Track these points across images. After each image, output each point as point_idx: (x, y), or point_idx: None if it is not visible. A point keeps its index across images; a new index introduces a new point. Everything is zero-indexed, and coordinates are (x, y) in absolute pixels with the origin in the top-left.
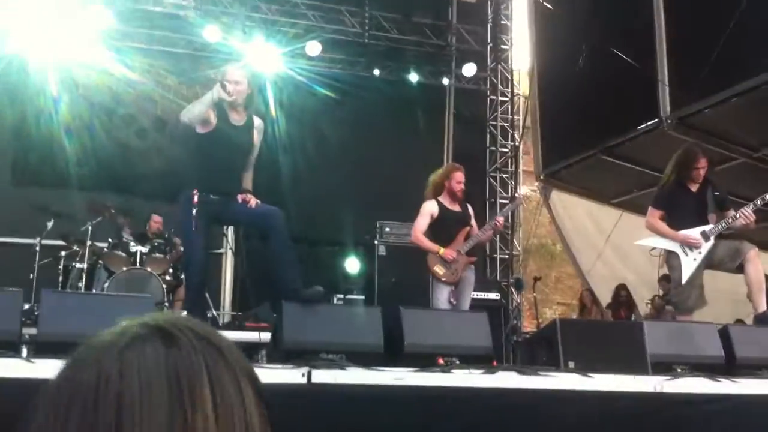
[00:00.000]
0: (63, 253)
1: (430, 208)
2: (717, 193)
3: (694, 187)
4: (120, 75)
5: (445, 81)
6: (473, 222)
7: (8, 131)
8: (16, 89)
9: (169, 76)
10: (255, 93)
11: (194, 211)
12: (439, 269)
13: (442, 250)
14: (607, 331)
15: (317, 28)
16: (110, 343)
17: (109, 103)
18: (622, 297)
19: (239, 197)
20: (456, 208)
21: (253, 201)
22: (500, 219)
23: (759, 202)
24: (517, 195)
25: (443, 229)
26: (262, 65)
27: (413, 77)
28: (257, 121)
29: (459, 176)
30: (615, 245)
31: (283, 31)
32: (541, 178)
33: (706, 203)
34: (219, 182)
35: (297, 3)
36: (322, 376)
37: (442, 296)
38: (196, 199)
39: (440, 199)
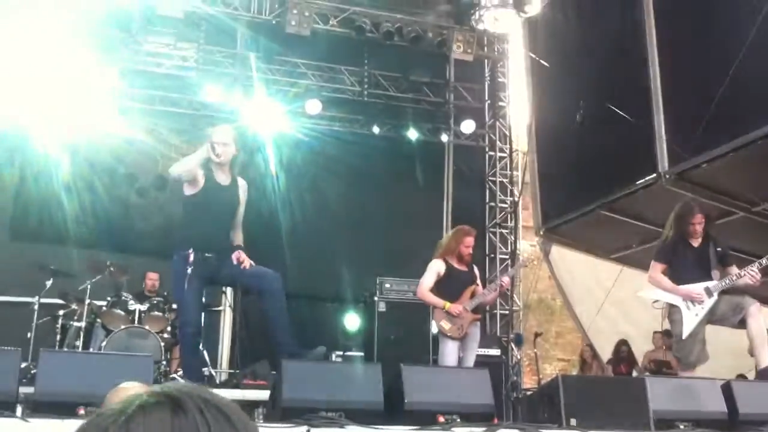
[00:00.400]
0: (61, 311)
1: (437, 266)
2: (719, 249)
3: (695, 242)
4: (121, 135)
5: (444, 138)
6: (478, 282)
7: (7, 190)
8: (16, 148)
9: (170, 135)
10: (240, 154)
11: (189, 270)
12: (445, 324)
13: (448, 305)
14: (609, 388)
15: (317, 86)
16: (119, 412)
17: (110, 163)
18: (623, 352)
19: (233, 256)
20: (462, 268)
21: (247, 261)
22: (506, 280)
23: (765, 262)
24: (520, 257)
25: (449, 287)
26: (262, 124)
27: (412, 134)
28: (241, 181)
29: (469, 241)
30: (615, 300)
31: (283, 91)
32: (541, 233)
33: (709, 259)
34: (212, 241)
35: (297, 63)
36: None
37: (447, 350)
38: (192, 258)
39: (448, 258)
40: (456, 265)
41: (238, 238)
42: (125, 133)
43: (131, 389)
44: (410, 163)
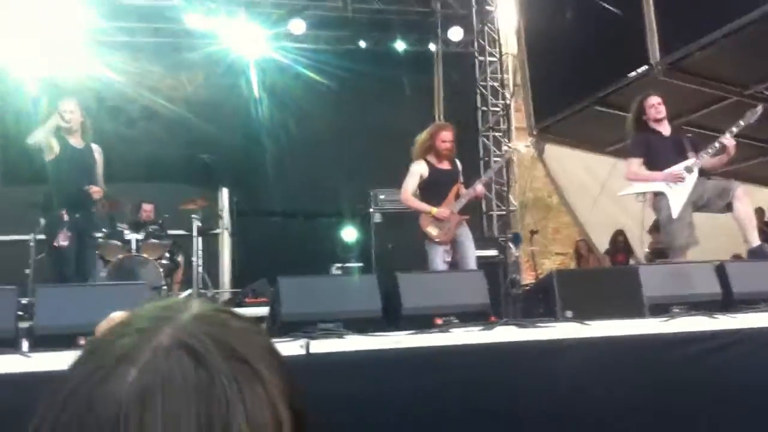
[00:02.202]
0: None
1: (418, 169)
2: (689, 135)
3: (665, 131)
4: (105, 70)
5: (432, 47)
6: (461, 178)
7: None
8: None
9: (153, 67)
10: (88, 122)
11: (65, 228)
12: (432, 230)
13: (434, 210)
14: (603, 278)
15: (300, 6)
16: (126, 357)
17: (95, 97)
18: (620, 242)
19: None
20: (445, 166)
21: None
22: (485, 179)
23: (735, 129)
24: (505, 148)
25: (434, 188)
26: (246, 48)
27: (399, 46)
28: (95, 146)
29: (445, 135)
30: (610, 192)
31: (266, 13)
32: (534, 133)
33: (683, 144)
34: (77, 200)
35: None
36: (321, 346)
37: (437, 257)
38: (66, 217)
39: (428, 158)
40: (437, 164)
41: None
42: (109, 66)
43: (118, 317)
44: (399, 75)
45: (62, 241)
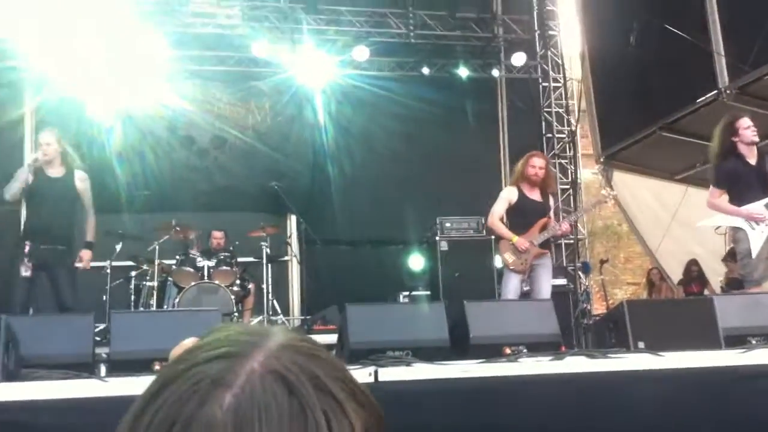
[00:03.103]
0: (133, 273)
1: (508, 194)
2: None
3: (752, 159)
4: (175, 98)
5: (495, 73)
6: (552, 214)
7: None
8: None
9: (223, 95)
10: (68, 150)
11: (26, 260)
12: (508, 257)
13: (515, 239)
14: (676, 309)
15: (363, 33)
16: (216, 383)
17: (167, 126)
18: (694, 272)
19: (80, 255)
20: (536, 197)
21: (86, 263)
22: (573, 218)
23: None
24: (603, 192)
25: (520, 216)
26: (311, 76)
27: (463, 72)
28: (79, 173)
29: (534, 161)
30: (682, 221)
31: (330, 41)
32: (601, 160)
33: (766, 175)
34: (48, 232)
35: (341, 11)
36: (389, 373)
37: (510, 284)
38: (27, 249)
39: (521, 185)
40: (528, 193)
41: (89, 230)
42: (177, 98)
43: (191, 343)
44: (463, 102)
45: (24, 272)
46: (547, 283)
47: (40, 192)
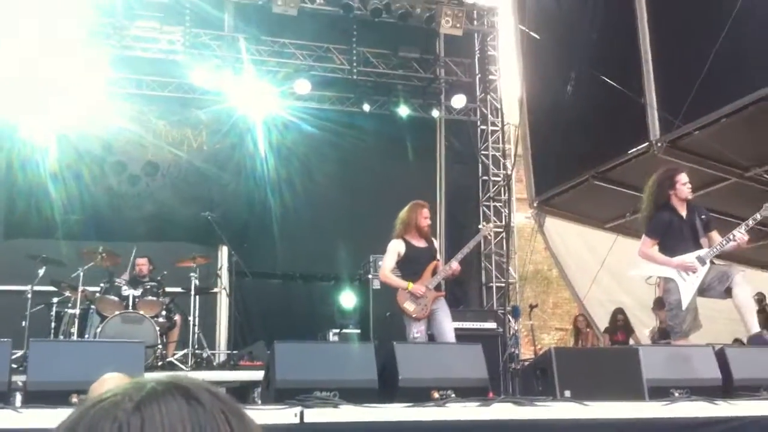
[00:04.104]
0: (55, 299)
1: (396, 247)
2: (703, 217)
3: (683, 211)
4: (110, 122)
5: (435, 113)
6: (438, 256)
7: None
8: (3, 137)
9: (159, 121)
10: None
11: None
12: (408, 305)
13: (410, 286)
14: (602, 358)
15: (306, 66)
16: (124, 396)
17: (99, 151)
18: (620, 321)
19: None
20: (422, 244)
21: None
22: (459, 257)
23: (751, 223)
24: (480, 227)
25: (411, 265)
26: (251, 106)
27: (403, 111)
28: None
29: (425, 212)
30: (610, 269)
31: (272, 72)
32: (534, 205)
33: (697, 228)
34: None
35: (285, 43)
36: (315, 415)
37: (414, 332)
38: None
39: (406, 237)
40: (415, 242)
41: None
42: (114, 120)
43: (113, 380)
44: (402, 140)
45: None
46: (449, 324)
47: None
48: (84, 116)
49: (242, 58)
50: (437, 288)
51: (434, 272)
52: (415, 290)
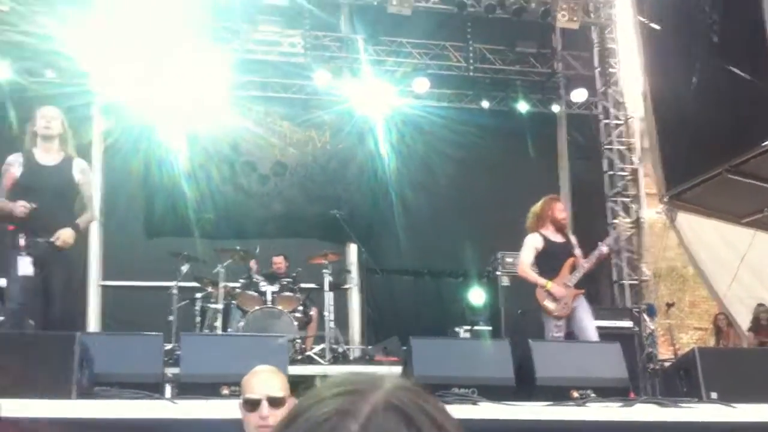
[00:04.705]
0: (198, 294)
1: (533, 242)
2: None
3: None
4: (237, 123)
5: (555, 108)
6: (577, 252)
7: (136, 179)
8: (141, 139)
9: (284, 122)
10: (69, 135)
11: (22, 254)
12: (549, 303)
13: (549, 285)
14: (749, 359)
15: (423, 65)
16: (345, 415)
17: (229, 152)
18: (763, 320)
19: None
20: (559, 239)
21: (62, 240)
22: (604, 249)
23: None
24: (615, 224)
25: (549, 261)
26: (371, 106)
27: (522, 106)
28: (78, 161)
29: (560, 206)
30: (751, 265)
31: (390, 71)
32: (665, 200)
33: None
34: (40, 224)
35: (402, 42)
36: (454, 411)
37: (553, 329)
38: (22, 242)
39: (543, 231)
40: (552, 237)
41: (82, 220)
42: (240, 121)
43: (263, 372)
44: (521, 136)
45: (21, 270)
46: (590, 321)
47: (29, 183)
48: (212, 118)
49: (360, 59)
50: (577, 285)
51: (573, 268)
52: (555, 291)
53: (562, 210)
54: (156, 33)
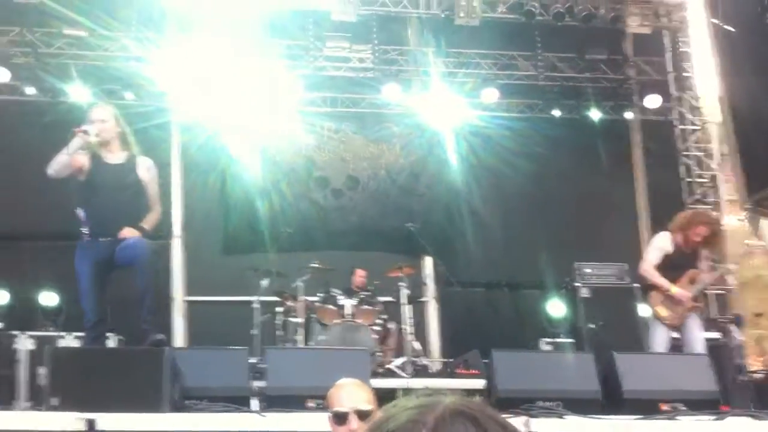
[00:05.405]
0: (278, 309)
1: (664, 244)
2: None
3: None
4: (310, 138)
5: (628, 115)
6: (703, 266)
7: (212, 193)
8: (217, 154)
9: (355, 136)
10: (128, 131)
11: (86, 255)
12: (662, 309)
13: (674, 289)
14: None
15: (492, 75)
16: (416, 423)
17: (302, 168)
18: None
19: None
20: (688, 250)
21: (128, 234)
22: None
23: None
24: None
25: (670, 268)
26: (441, 118)
27: (594, 114)
28: (143, 159)
29: (701, 230)
30: None
31: (458, 83)
32: (747, 207)
33: None
34: (105, 224)
35: (470, 54)
36: (541, 425)
37: (659, 337)
38: (87, 238)
39: (675, 236)
40: (683, 246)
41: (148, 220)
42: (312, 137)
43: (349, 385)
44: (593, 144)
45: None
46: (700, 334)
47: (95, 181)
48: (284, 135)
49: (429, 71)
50: (695, 299)
51: (694, 280)
52: (680, 296)
53: (700, 234)
54: (229, 52)
